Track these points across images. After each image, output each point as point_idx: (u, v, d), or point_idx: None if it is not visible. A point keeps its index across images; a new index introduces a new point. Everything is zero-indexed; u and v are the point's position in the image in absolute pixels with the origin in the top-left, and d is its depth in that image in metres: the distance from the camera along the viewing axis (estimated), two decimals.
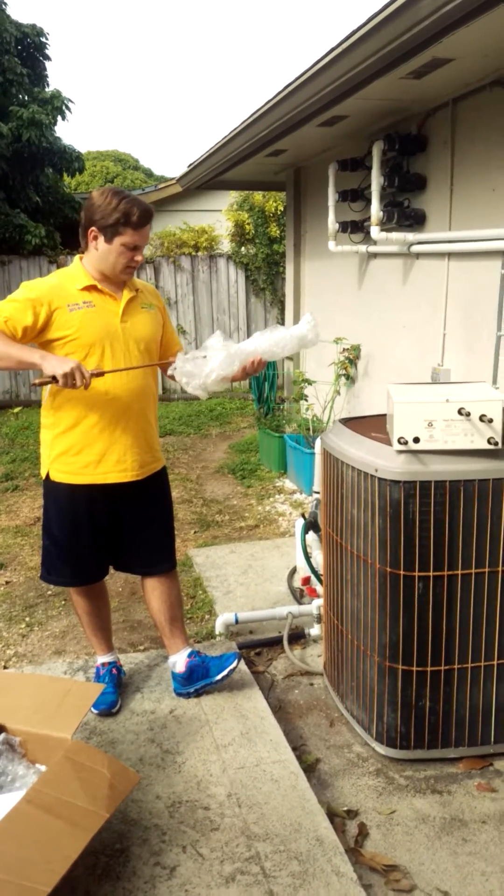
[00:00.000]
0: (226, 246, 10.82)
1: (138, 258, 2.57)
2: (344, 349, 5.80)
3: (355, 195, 5.49)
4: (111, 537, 2.79)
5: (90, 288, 2.57)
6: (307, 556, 3.64)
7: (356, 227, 5.54)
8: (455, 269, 4.49)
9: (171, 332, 2.90)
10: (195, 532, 5.04)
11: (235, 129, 5.76)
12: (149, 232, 2.60)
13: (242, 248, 10.36)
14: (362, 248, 5.51)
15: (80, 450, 2.61)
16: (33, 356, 2.40)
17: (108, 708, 2.81)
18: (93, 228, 2.53)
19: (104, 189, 2.56)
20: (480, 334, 4.25)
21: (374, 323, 5.59)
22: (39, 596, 4.11)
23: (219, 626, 3.54)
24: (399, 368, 5.26)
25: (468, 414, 2.35)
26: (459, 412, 2.37)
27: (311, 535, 4.01)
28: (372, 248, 5.43)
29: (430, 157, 4.70)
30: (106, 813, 1.93)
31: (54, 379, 2.36)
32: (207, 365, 2.54)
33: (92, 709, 2.75)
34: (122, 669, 3.06)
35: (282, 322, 9.99)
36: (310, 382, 5.82)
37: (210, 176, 7.15)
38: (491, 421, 2.35)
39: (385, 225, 4.82)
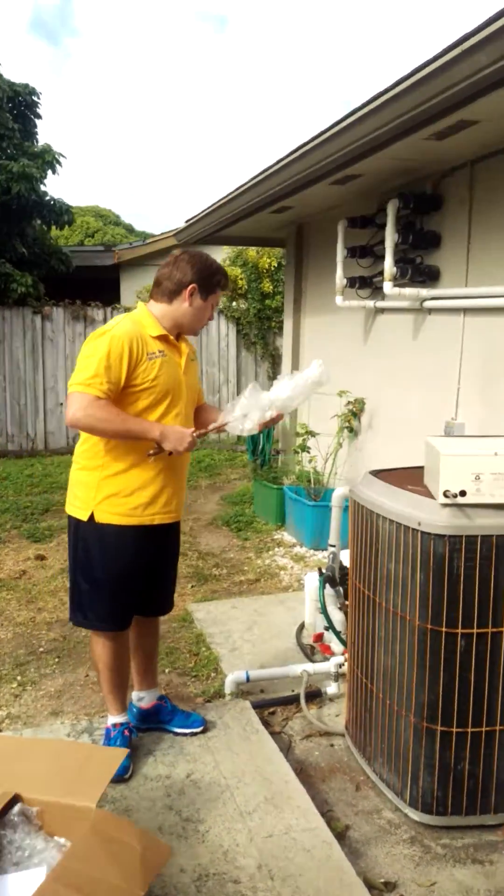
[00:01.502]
0: None
1: (211, 317, 2.83)
2: (348, 402, 5.77)
3: (364, 251, 5.53)
4: (147, 579, 2.80)
5: (162, 338, 2.66)
6: (326, 612, 3.51)
7: (364, 283, 5.57)
8: (472, 325, 4.50)
9: (198, 382, 3.01)
10: (192, 586, 4.88)
11: (243, 185, 5.82)
12: None
13: (233, 303, 10.42)
14: (370, 303, 5.54)
15: (132, 492, 2.63)
16: (153, 432, 2.54)
17: (121, 773, 2.63)
18: (193, 285, 2.67)
19: (198, 253, 2.76)
20: (499, 388, 4.23)
21: (380, 377, 5.57)
22: (31, 653, 3.91)
23: (228, 685, 3.38)
24: (407, 422, 5.22)
25: None
26: None
27: (315, 587, 3.90)
28: (380, 304, 5.46)
29: (446, 215, 4.75)
30: (140, 891, 1.75)
31: (162, 449, 2.57)
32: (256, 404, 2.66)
33: None
34: (134, 731, 2.89)
35: (274, 376, 9.99)
36: (313, 434, 5.76)
37: (210, 231, 7.20)
38: None
39: (398, 281, 4.84)
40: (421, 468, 2.97)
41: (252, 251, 10.10)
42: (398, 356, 5.34)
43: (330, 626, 3.51)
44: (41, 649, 3.94)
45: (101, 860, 1.82)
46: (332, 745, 3.01)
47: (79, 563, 2.73)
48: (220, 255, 10.67)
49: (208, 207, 6.59)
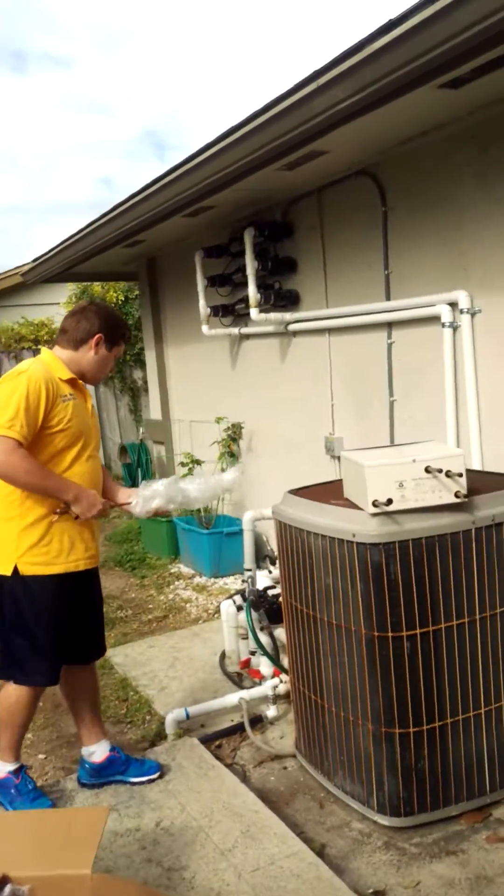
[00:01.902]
0: None
1: (112, 368, 2.94)
2: (226, 427, 5.86)
3: (223, 280, 5.67)
4: (79, 625, 2.80)
5: (71, 381, 2.71)
6: (256, 636, 3.56)
7: (227, 311, 5.71)
8: (337, 343, 4.73)
9: None
10: None
11: (95, 222, 5.79)
12: None
13: None
14: (234, 330, 5.68)
15: (51, 539, 2.63)
16: (68, 494, 2.59)
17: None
18: (100, 335, 2.76)
19: (105, 305, 3.01)
20: (371, 401, 4.47)
21: (254, 400, 5.72)
22: None
23: (169, 725, 3.35)
24: (285, 441, 5.39)
25: (439, 471, 2.45)
26: (427, 470, 2.47)
27: (242, 615, 3.94)
28: (245, 330, 5.62)
29: (298, 241, 4.98)
30: None
31: (68, 510, 2.62)
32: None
33: None
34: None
35: (136, 410, 9.97)
36: (198, 462, 5.80)
37: (62, 269, 7.09)
38: (460, 475, 2.46)
39: (262, 306, 5.00)
40: (331, 483, 3.11)
41: (97, 286, 10.02)
42: (270, 379, 5.51)
43: (261, 649, 3.56)
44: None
45: None
46: (285, 768, 3.05)
47: (8, 619, 2.68)
48: (65, 292, 10.53)
49: (58, 245, 6.50)
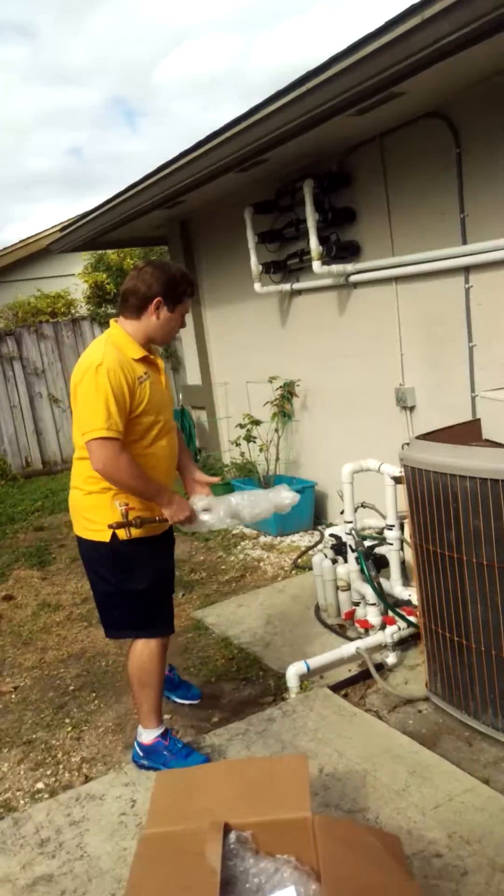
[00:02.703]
0: (83, 309, 10.55)
1: (183, 324, 2.81)
2: (279, 387, 5.82)
3: (273, 236, 5.59)
4: (167, 585, 2.93)
5: (143, 360, 2.70)
6: (374, 586, 3.56)
7: (278, 267, 5.63)
8: (405, 292, 4.67)
9: None
10: (183, 595, 4.77)
11: (136, 185, 5.68)
12: None
13: (101, 308, 10.14)
14: (286, 286, 5.61)
15: (139, 509, 2.69)
16: (161, 499, 2.65)
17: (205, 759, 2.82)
18: (158, 298, 2.66)
19: (161, 263, 2.75)
20: (446, 348, 4.44)
21: (310, 357, 5.67)
22: (63, 694, 3.69)
23: (291, 679, 3.35)
24: (346, 396, 5.36)
25: None
26: None
27: (341, 568, 3.95)
28: (297, 286, 5.55)
29: (357, 190, 4.89)
30: (415, 882, 1.74)
31: (127, 523, 2.61)
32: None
33: None
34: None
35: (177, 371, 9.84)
36: (257, 423, 5.76)
37: (93, 236, 6.98)
38: None
39: (324, 259, 4.93)
40: (453, 427, 3.09)
41: (113, 254, 9.88)
42: (326, 333, 5.45)
43: (380, 598, 3.55)
44: (72, 687, 3.72)
45: (359, 864, 1.79)
46: (420, 712, 3.08)
47: (114, 583, 2.76)
48: (79, 263, 10.37)
49: (93, 211, 6.37)
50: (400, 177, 4.55)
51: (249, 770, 2.17)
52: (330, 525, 5.68)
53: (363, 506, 4.36)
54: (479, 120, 3.94)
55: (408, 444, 3.70)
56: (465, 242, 4.17)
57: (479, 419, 3.05)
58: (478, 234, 4.08)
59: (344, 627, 3.92)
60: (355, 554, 3.75)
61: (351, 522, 3.79)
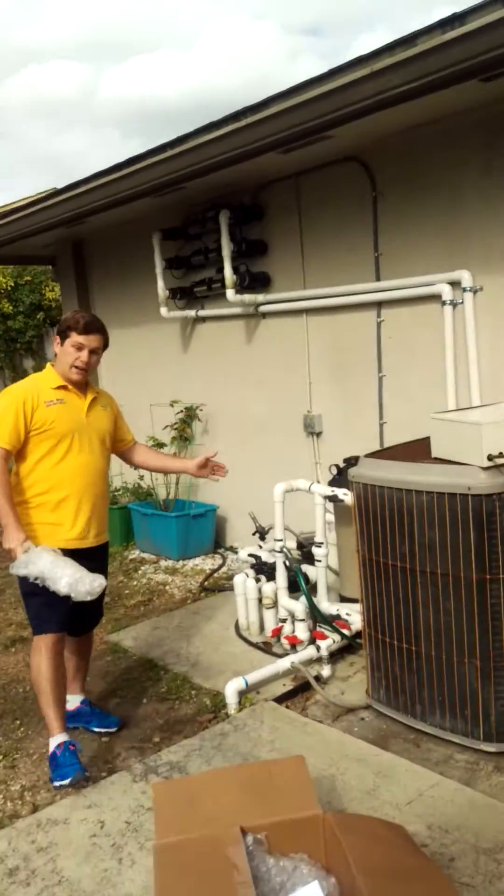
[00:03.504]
0: None
1: (84, 358, 3.02)
2: (179, 411, 5.86)
3: (180, 262, 5.67)
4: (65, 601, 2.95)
5: (61, 388, 3.07)
6: (312, 604, 3.66)
7: (183, 293, 5.70)
8: (316, 323, 4.91)
9: (123, 426, 3.42)
10: None
11: (42, 200, 5.59)
12: (99, 340, 3.07)
13: None
14: (191, 312, 5.70)
15: (46, 520, 3.01)
16: (6, 519, 2.90)
17: (81, 771, 2.88)
18: (56, 336, 3.11)
19: (73, 311, 3.29)
20: (355, 378, 4.69)
21: (212, 383, 5.76)
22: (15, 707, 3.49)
23: (230, 695, 3.37)
24: (252, 421, 5.49)
25: None
26: None
27: (267, 586, 4.03)
28: (203, 312, 5.65)
29: (270, 224, 5.10)
30: (433, 863, 1.84)
31: None
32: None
33: (64, 782, 2.84)
34: (76, 743, 3.05)
35: None
36: (161, 445, 5.73)
37: None
38: None
39: (238, 288, 5.07)
40: (394, 448, 3.30)
41: None
42: (231, 360, 5.58)
43: (318, 614, 3.66)
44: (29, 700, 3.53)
45: (386, 852, 1.86)
46: (362, 719, 3.20)
47: (27, 583, 2.94)
48: None
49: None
50: (314, 214, 4.80)
51: (247, 774, 2.19)
52: (231, 548, 5.75)
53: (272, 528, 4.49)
54: (395, 167, 4.26)
55: (339, 465, 3.89)
56: (378, 279, 4.46)
57: (419, 440, 3.26)
58: (391, 271, 4.39)
59: (269, 644, 3.98)
60: (291, 572, 3.84)
61: (281, 541, 3.89)
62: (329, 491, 3.69)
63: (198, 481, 5.97)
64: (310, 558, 4.00)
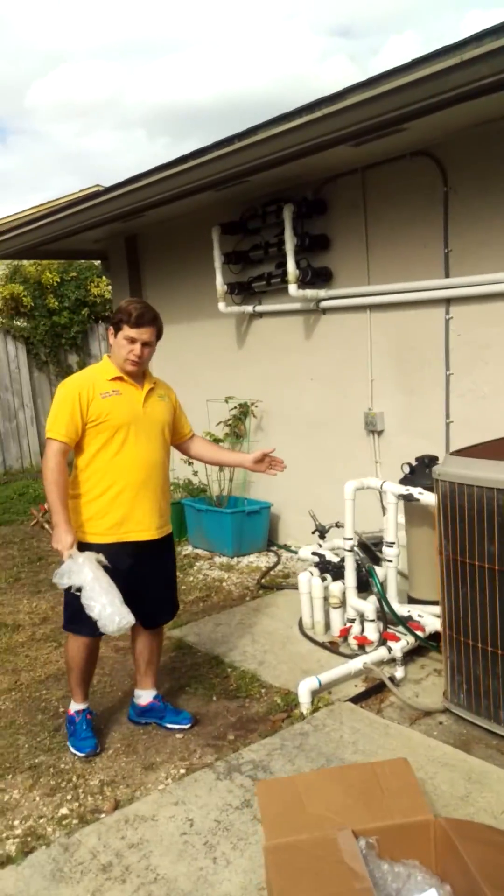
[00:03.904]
0: None
1: (136, 351, 3.00)
2: (234, 406, 5.83)
3: (238, 257, 5.63)
4: (130, 592, 2.96)
5: (117, 379, 3.05)
6: (388, 605, 3.61)
7: (241, 288, 5.67)
8: (379, 319, 4.84)
9: (181, 417, 3.37)
10: None
11: (96, 197, 5.57)
12: (151, 332, 3.03)
13: (15, 321, 9.77)
14: (248, 308, 5.66)
15: (105, 513, 3.01)
16: (57, 518, 2.89)
17: (94, 750, 3.10)
18: (109, 328, 3.09)
19: (128, 300, 3.15)
20: (422, 375, 4.62)
21: (268, 380, 5.72)
22: (54, 716, 3.46)
23: (303, 695, 3.33)
24: (309, 419, 5.44)
25: None
26: None
27: (334, 586, 3.98)
28: (260, 308, 5.61)
29: (333, 218, 5.04)
30: None
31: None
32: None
33: (77, 752, 3.10)
34: (93, 712, 3.29)
35: None
36: (218, 441, 5.71)
37: (33, 244, 6.74)
38: None
39: (301, 283, 5.02)
40: (479, 446, 3.22)
41: (31, 266, 9.57)
42: (288, 357, 5.53)
43: (395, 616, 3.61)
44: (61, 709, 3.50)
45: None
46: (440, 724, 3.14)
47: None
48: None
49: (42, 217, 6.16)
50: (381, 209, 4.73)
51: (352, 776, 2.14)
52: (284, 546, 5.71)
53: (337, 525, 4.44)
54: (468, 162, 4.18)
55: (411, 464, 3.83)
56: (447, 276, 4.39)
57: (501, 438, 3.20)
58: (461, 268, 4.31)
59: (336, 644, 3.94)
60: (364, 572, 3.80)
61: (351, 539, 3.83)
62: (403, 490, 3.63)
63: (250, 478, 5.94)
64: (373, 558, 3.95)
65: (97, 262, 10.02)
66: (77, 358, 9.93)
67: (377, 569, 3.91)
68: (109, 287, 10.00)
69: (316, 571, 4.19)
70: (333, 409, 5.26)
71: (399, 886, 1.85)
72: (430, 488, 3.57)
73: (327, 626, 4.08)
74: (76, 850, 2.41)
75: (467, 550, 2.95)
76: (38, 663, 4.04)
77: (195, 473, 5.90)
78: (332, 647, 3.92)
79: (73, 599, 2.93)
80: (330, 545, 4.55)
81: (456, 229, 4.32)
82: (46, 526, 2.84)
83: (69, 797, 2.83)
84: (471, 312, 4.31)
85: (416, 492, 3.57)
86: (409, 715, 3.22)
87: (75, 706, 3.23)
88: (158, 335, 3.10)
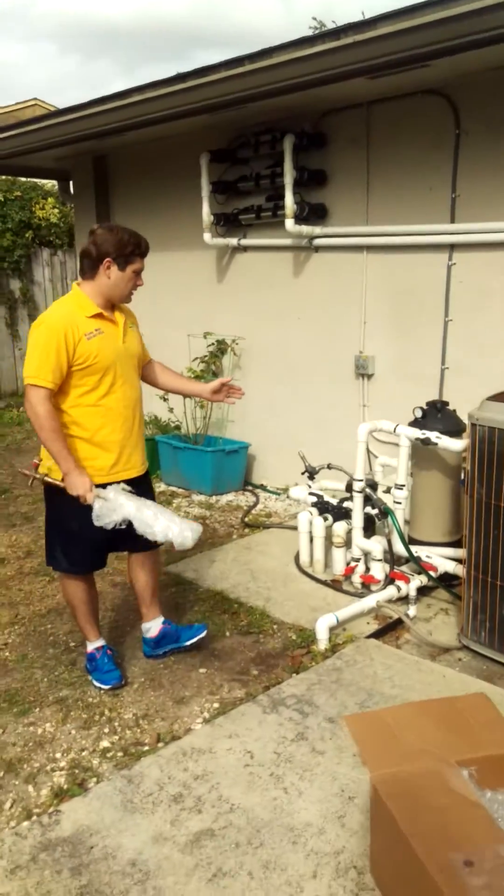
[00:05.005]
0: None
1: (140, 282, 2.95)
2: (211, 343, 5.71)
3: (225, 187, 5.44)
4: (120, 529, 2.91)
5: (97, 316, 2.88)
6: (406, 546, 3.67)
7: (226, 220, 5.50)
8: (377, 261, 4.80)
9: (142, 343, 3.20)
10: None
11: (76, 109, 5.24)
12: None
13: None
14: (232, 240, 5.51)
15: (96, 455, 2.92)
16: (66, 466, 2.79)
17: (119, 682, 3.08)
18: (108, 259, 2.83)
19: (109, 225, 2.95)
20: (419, 321, 4.64)
21: (251, 316, 5.62)
22: (67, 650, 3.40)
23: (321, 631, 3.37)
24: (292, 358, 5.40)
25: None
26: None
27: (338, 525, 4.01)
28: (245, 242, 5.48)
29: (332, 154, 4.93)
30: None
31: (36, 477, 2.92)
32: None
33: (102, 686, 3.07)
34: (112, 648, 3.26)
35: (13, 323, 9.24)
36: (200, 377, 5.59)
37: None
38: None
39: (298, 218, 4.91)
40: None
41: None
42: (274, 294, 5.44)
43: (409, 553, 3.67)
44: (72, 643, 3.44)
45: None
46: (460, 660, 3.25)
47: (55, 518, 3.03)
48: None
49: (18, 125, 5.75)
50: (385, 147, 4.64)
51: (437, 709, 2.19)
52: (261, 486, 5.71)
53: (329, 467, 4.48)
54: (484, 105, 4.14)
55: (423, 408, 3.86)
56: (452, 221, 4.38)
57: None
58: (468, 214, 4.31)
59: (339, 583, 4.00)
60: (374, 511, 3.85)
61: (361, 481, 3.86)
62: (420, 433, 3.66)
63: (227, 417, 5.87)
64: (365, 500, 4.00)
65: (44, 182, 9.52)
66: (20, 284, 9.45)
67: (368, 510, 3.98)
68: (56, 210, 9.53)
69: (315, 511, 4.22)
70: (320, 350, 5.23)
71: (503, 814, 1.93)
72: (446, 432, 3.63)
73: (326, 564, 4.13)
74: (141, 782, 2.40)
75: (500, 492, 3.02)
76: (35, 597, 3.93)
77: (171, 410, 5.78)
78: (335, 586, 3.98)
79: (60, 535, 3.00)
80: (318, 486, 4.59)
81: (465, 174, 4.30)
82: (49, 479, 2.81)
83: (106, 730, 2.80)
84: (475, 259, 4.33)
85: (434, 436, 3.61)
86: (427, 652, 3.32)
87: (92, 644, 3.18)
88: None
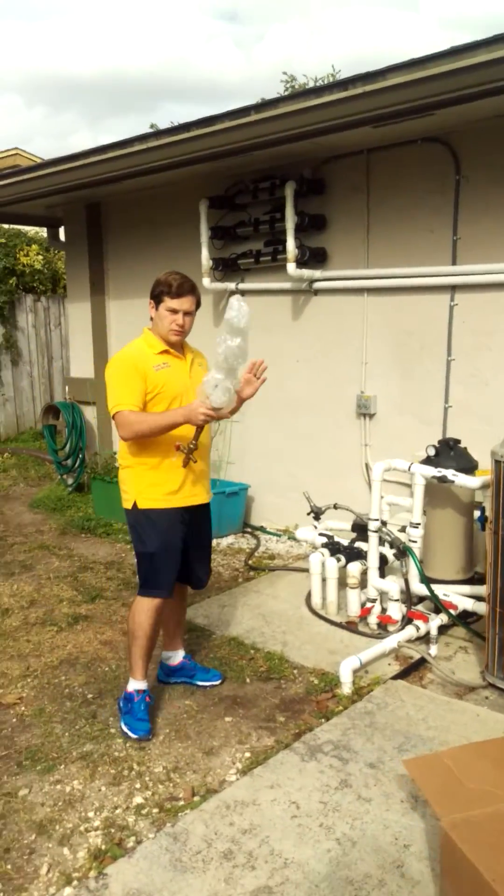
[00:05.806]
0: None
1: (179, 321, 3.03)
2: None
3: (223, 233, 5.50)
4: (182, 553, 3.14)
5: (164, 352, 3.08)
6: (427, 584, 3.64)
7: (225, 265, 5.54)
8: (377, 303, 4.87)
9: None
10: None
11: (77, 158, 5.29)
12: (192, 301, 3.05)
13: None
14: (230, 285, 5.55)
15: (161, 482, 3.06)
16: (177, 417, 2.91)
17: (148, 736, 2.99)
18: (150, 301, 3.08)
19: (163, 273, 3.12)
20: (420, 361, 4.69)
21: (249, 358, 5.61)
22: (84, 702, 3.28)
23: (345, 674, 3.31)
24: (293, 401, 5.41)
25: None
26: None
27: (353, 566, 3.98)
28: (243, 286, 5.52)
29: (332, 199, 5.02)
30: None
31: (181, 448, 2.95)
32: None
33: (130, 734, 3.00)
34: (152, 696, 3.20)
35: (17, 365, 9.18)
36: None
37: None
38: None
39: (299, 262, 4.96)
40: None
41: None
42: (273, 338, 5.46)
43: (432, 595, 3.63)
44: (89, 695, 3.33)
45: None
46: (487, 698, 3.21)
47: (139, 545, 3.13)
48: None
49: (13, 174, 5.79)
50: (386, 193, 4.74)
51: (496, 751, 2.15)
52: (260, 528, 5.67)
53: (336, 507, 4.46)
54: (484, 152, 4.26)
55: (435, 446, 3.87)
56: (454, 263, 4.46)
57: None
58: (469, 256, 4.40)
59: (354, 624, 3.94)
60: (392, 551, 3.82)
61: (377, 521, 3.84)
62: (435, 472, 3.67)
63: (226, 458, 5.84)
64: (366, 539, 3.99)
65: (28, 229, 9.57)
66: (3, 329, 9.41)
67: (388, 550, 3.96)
68: (40, 257, 9.56)
69: (326, 552, 4.19)
70: (319, 391, 5.25)
71: None
72: (461, 470, 3.65)
73: (340, 606, 4.08)
74: (187, 840, 2.29)
75: None
76: (45, 648, 3.81)
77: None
78: (350, 627, 3.92)
79: (144, 560, 3.09)
80: (324, 526, 4.57)
81: (467, 217, 4.39)
82: (185, 446, 2.92)
83: (137, 786, 2.69)
84: (477, 300, 4.41)
85: (450, 473, 3.62)
86: (452, 691, 3.27)
87: (136, 684, 3.14)
88: (197, 304, 3.11)
